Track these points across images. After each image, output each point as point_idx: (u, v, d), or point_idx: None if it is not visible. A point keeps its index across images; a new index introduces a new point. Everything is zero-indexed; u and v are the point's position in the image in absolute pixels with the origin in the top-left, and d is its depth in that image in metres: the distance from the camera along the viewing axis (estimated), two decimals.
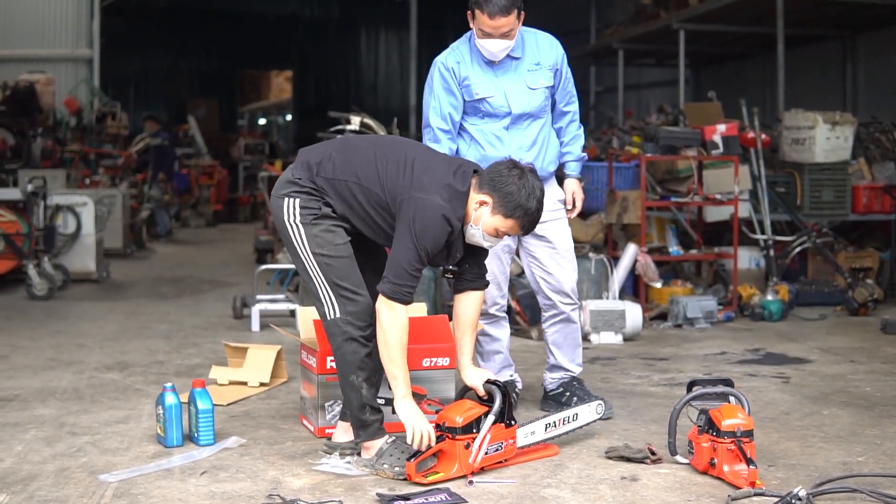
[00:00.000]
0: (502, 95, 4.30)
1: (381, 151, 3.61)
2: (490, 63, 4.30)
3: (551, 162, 4.46)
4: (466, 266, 3.70)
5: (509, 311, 5.41)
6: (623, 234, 7.60)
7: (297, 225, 3.60)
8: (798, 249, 7.87)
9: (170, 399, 3.90)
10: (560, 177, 4.60)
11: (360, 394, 3.59)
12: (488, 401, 3.61)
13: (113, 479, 3.49)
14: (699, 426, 3.56)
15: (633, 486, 3.43)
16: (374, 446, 3.59)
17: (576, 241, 7.22)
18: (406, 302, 3.48)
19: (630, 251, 7.03)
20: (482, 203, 3.51)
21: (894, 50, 11.96)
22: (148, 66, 23.44)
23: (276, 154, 20.52)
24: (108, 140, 14.33)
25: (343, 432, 3.81)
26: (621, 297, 6.81)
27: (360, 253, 3.66)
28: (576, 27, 18.33)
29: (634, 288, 7.27)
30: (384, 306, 3.47)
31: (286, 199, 3.62)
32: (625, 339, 6.31)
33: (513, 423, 3.63)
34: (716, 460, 3.46)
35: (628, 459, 3.68)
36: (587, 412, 3.94)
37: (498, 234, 3.57)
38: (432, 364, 4.16)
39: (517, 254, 4.54)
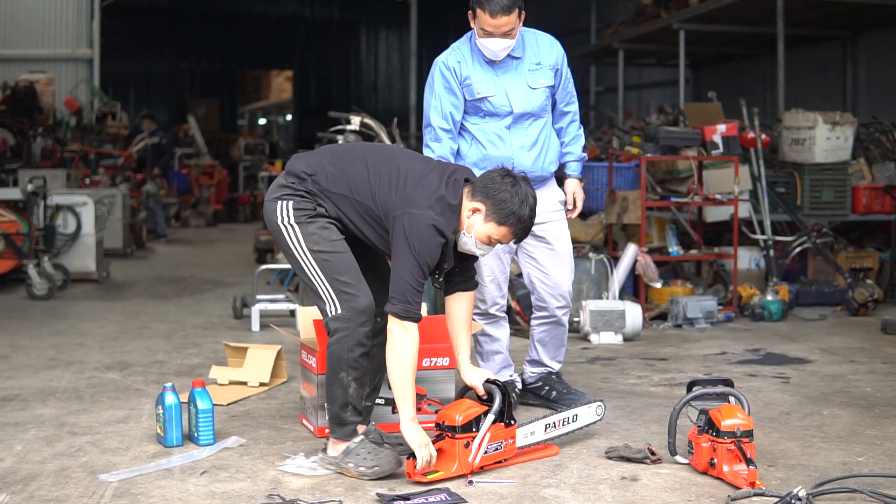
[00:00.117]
0: (503, 95, 4.31)
1: (373, 164, 3.58)
2: (491, 63, 4.31)
3: (552, 162, 4.46)
4: (455, 271, 3.69)
5: (509, 311, 5.42)
6: (623, 234, 7.60)
7: (291, 225, 3.58)
8: (798, 250, 7.87)
9: (170, 399, 3.90)
10: (560, 177, 4.61)
11: (346, 392, 3.55)
12: (488, 400, 3.61)
13: (113, 478, 3.49)
14: (699, 426, 3.56)
15: (633, 486, 3.43)
16: (342, 444, 3.58)
17: (576, 241, 7.27)
18: (418, 320, 3.46)
19: (630, 251, 7.04)
20: (475, 210, 3.51)
21: (895, 50, 11.96)
22: (149, 67, 23.46)
23: (276, 154, 20.55)
24: (108, 140, 14.35)
25: None
26: (621, 297, 6.81)
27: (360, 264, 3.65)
28: (576, 27, 18.37)
29: (634, 288, 7.27)
30: (398, 327, 3.44)
31: (279, 202, 3.61)
32: (625, 340, 6.31)
33: (512, 422, 3.63)
34: (716, 460, 3.46)
35: (628, 459, 3.68)
36: (587, 413, 3.94)
37: (491, 242, 3.56)
38: (432, 364, 4.16)
39: (516, 254, 4.55)
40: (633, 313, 6.34)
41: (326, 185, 3.57)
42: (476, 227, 3.52)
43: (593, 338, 6.27)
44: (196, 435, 3.91)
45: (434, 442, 3.49)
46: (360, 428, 3.73)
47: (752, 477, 3.32)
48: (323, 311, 3.59)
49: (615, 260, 7.08)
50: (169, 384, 3.97)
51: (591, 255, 6.97)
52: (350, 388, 3.55)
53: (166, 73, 23.91)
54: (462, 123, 4.37)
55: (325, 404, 3.69)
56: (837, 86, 12.81)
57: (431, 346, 4.13)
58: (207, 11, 23.49)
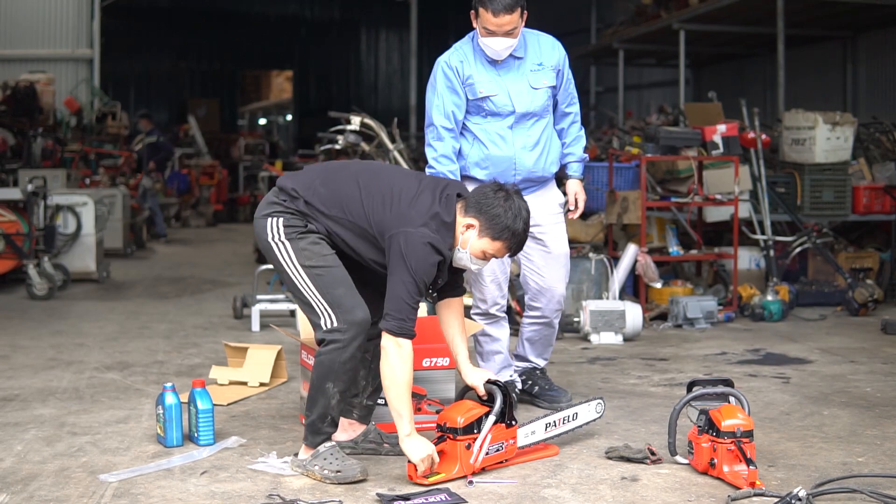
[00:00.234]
0: (506, 94, 4.31)
1: (365, 184, 3.55)
2: (493, 62, 4.31)
3: (553, 162, 4.47)
4: (446, 282, 3.68)
5: (509, 311, 5.41)
6: (623, 234, 7.60)
7: (282, 242, 3.54)
8: (798, 250, 7.87)
9: (170, 399, 3.90)
10: (562, 178, 4.62)
11: (329, 402, 3.50)
12: (489, 401, 3.61)
13: (113, 478, 3.50)
14: (699, 426, 3.56)
15: (633, 486, 3.43)
16: (313, 449, 3.56)
17: (576, 241, 7.29)
18: (412, 336, 3.45)
19: (630, 251, 7.04)
20: (469, 226, 3.50)
21: (895, 50, 11.96)
22: (149, 67, 23.46)
23: (276, 154, 20.55)
24: (109, 140, 14.34)
25: (341, 431, 3.81)
26: (621, 297, 6.81)
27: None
28: (576, 27, 18.38)
29: (634, 288, 7.27)
30: (391, 344, 3.42)
31: (269, 219, 3.58)
32: (625, 340, 6.31)
33: (513, 423, 3.63)
34: (716, 460, 3.46)
35: (628, 459, 3.68)
36: (587, 411, 3.95)
37: (485, 257, 3.55)
38: (432, 364, 4.16)
39: None
40: (634, 313, 6.34)
41: (319, 207, 3.55)
42: (471, 242, 3.51)
43: (593, 338, 6.27)
44: (196, 435, 3.91)
45: (435, 444, 3.49)
46: (355, 429, 3.77)
47: (752, 477, 3.33)
48: (317, 326, 3.53)
49: (615, 260, 7.08)
50: (169, 384, 3.97)
51: (591, 255, 6.97)
52: (333, 400, 3.50)
53: (166, 73, 23.91)
54: (464, 123, 4.38)
55: (305, 411, 3.65)
56: (837, 86, 12.81)
57: (431, 346, 4.13)
58: (207, 11, 23.49)
